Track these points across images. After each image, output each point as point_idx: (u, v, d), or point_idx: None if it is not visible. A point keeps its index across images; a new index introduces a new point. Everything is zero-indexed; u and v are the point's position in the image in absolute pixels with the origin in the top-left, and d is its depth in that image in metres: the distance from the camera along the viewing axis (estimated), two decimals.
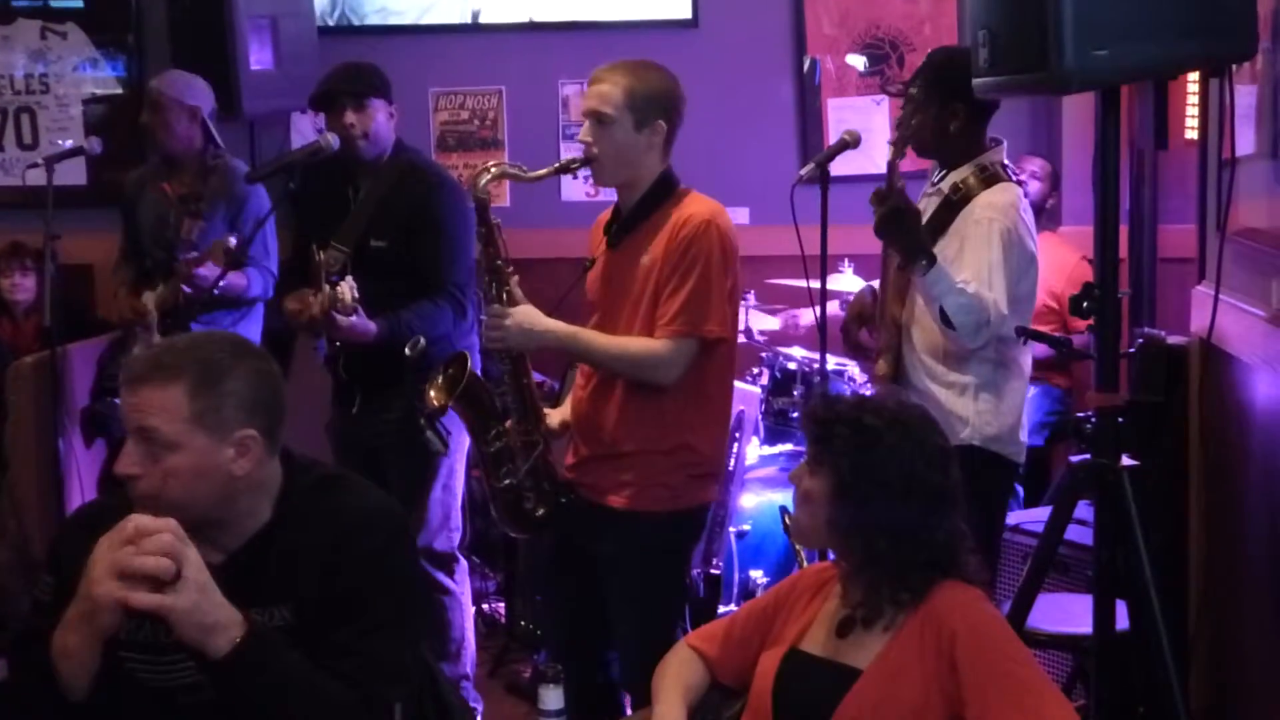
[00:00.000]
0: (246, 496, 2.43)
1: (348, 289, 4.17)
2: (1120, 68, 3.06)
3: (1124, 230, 5.69)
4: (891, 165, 3.80)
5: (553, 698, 2.15)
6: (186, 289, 4.92)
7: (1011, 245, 3.82)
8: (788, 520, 2.87)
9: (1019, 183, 4.03)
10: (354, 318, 4.22)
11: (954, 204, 3.92)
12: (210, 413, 2.35)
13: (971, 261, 3.80)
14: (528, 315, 3.68)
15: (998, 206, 3.87)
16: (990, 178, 3.92)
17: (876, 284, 4.27)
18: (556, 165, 3.77)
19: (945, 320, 3.75)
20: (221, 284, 4.81)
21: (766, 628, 2.82)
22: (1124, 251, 5.70)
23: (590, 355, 3.73)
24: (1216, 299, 3.54)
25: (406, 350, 4.08)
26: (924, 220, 3.86)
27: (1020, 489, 5.80)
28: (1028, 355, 4.03)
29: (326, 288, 4.21)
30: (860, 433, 2.62)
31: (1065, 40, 2.98)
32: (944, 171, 4.03)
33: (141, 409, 2.35)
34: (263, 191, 5.20)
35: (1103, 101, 3.28)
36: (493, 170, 3.75)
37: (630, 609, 3.80)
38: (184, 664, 2.32)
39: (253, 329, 5.30)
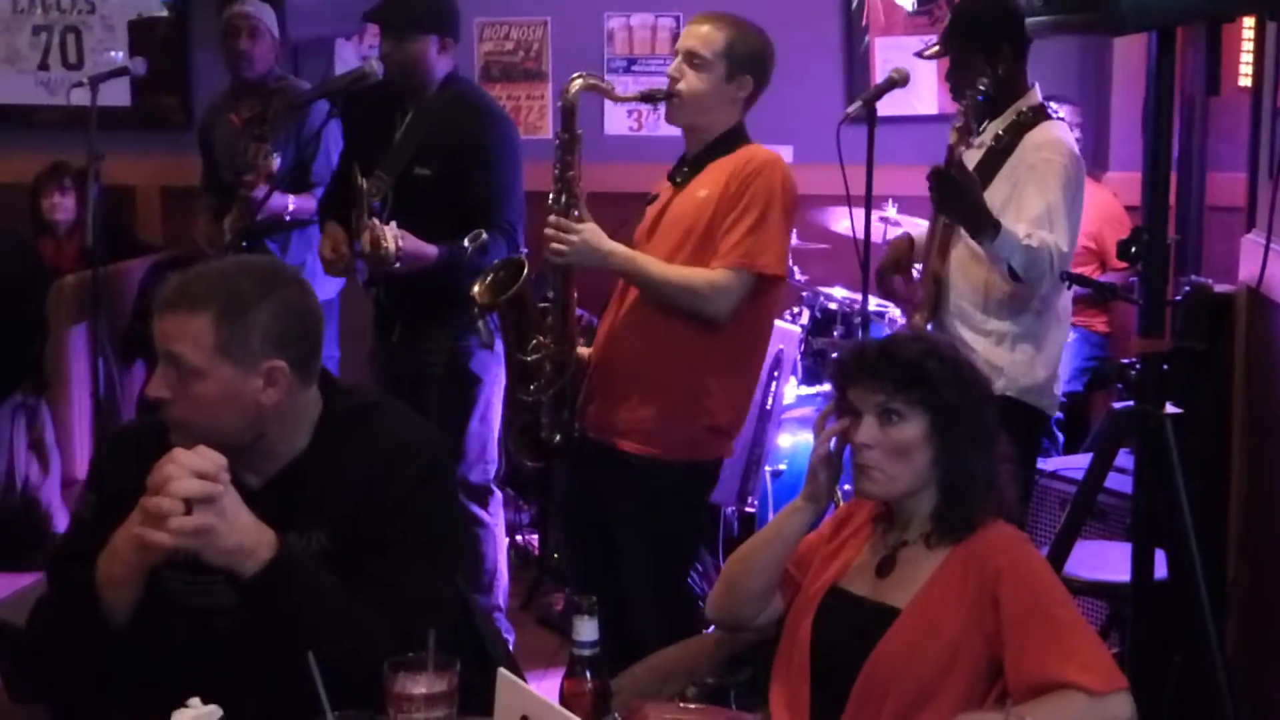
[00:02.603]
0: (279, 424, 2.42)
1: (392, 237, 4.15)
2: (1176, 7, 3.02)
3: (1173, 177, 5.65)
4: (952, 149, 3.74)
5: (587, 629, 2.14)
6: (253, 212, 4.97)
7: (1070, 182, 3.82)
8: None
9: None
10: (410, 247, 4.20)
11: (1000, 151, 3.88)
12: (236, 343, 2.34)
13: (1032, 204, 3.77)
14: (594, 233, 3.69)
15: (1053, 144, 3.85)
16: (1034, 119, 3.89)
17: (913, 231, 4.24)
18: (640, 93, 3.79)
19: (1013, 275, 3.72)
20: (292, 207, 4.91)
21: (804, 568, 2.80)
22: (1172, 198, 5.68)
23: (647, 280, 3.72)
24: (1268, 247, 3.49)
25: (466, 242, 4.07)
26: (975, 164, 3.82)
27: (1061, 435, 5.77)
28: (1069, 300, 4.01)
29: (377, 225, 4.17)
30: (953, 364, 2.60)
31: None
32: (984, 120, 3.99)
33: (169, 335, 2.34)
34: (322, 113, 5.19)
35: (1158, 44, 3.23)
36: (581, 79, 3.75)
37: (636, 555, 3.82)
38: (220, 584, 2.33)
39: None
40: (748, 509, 5.07)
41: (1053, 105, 5.81)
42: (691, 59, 3.70)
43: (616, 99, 3.89)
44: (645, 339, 3.74)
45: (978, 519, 2.58)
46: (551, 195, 3.74)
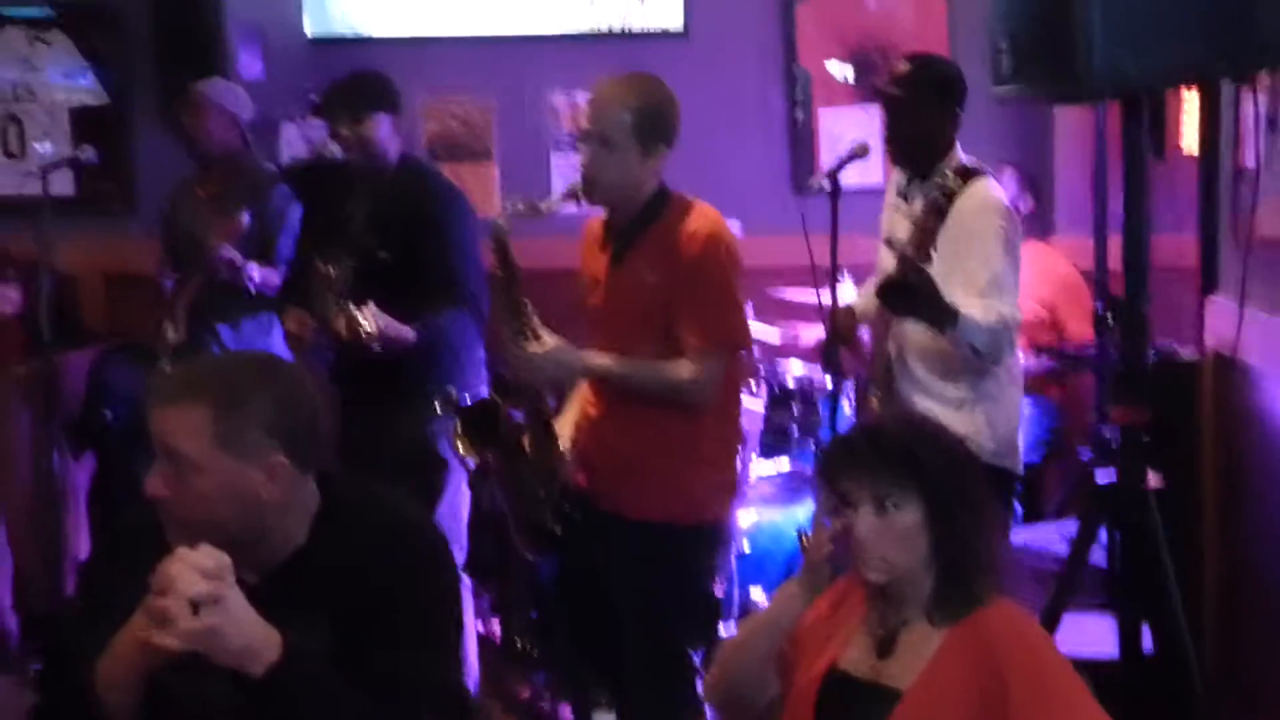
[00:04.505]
0: (278, 517, 2.38)
1: (371, 317, 4.10)
2: (1148, 76, 3.03)
3: (1116, 240, 5.69)
4: (904, 257, 3.68)
5: None
6: (218, 276, 4.93)
7: (1009, 242, 3.85)
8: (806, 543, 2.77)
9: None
10: (389, 330, 4.18)
11: (938, 211, 3.87)
12: (234, 435, 2.30)
13: (978, 274, 3.79)
14: (560, 350, 3.65)
15: (987, 205, 3.87)
16: (963, 180, 3.89)
17: (850, 301, 4.24)
18: (564, 193, 3.70)
19: (975, 352, 3.73)
20: (257, 280, 4.87)
21: (800, 649, 2.76)
22: (1116, 262, 5.71)
23: (626, 382, 3.69)
24: (1242, 311, 3.51)
25: (437, 407, 4.01)
26: (909, 233, 3.79)
27: (1018, 506, 5.77)
28: (1018, 359, 4.03)
29: (351, 308, 4.12)
30: (944, 448, 2.58)
31: (1094, 48, 2.95)
32: (911, 177, 4.02)
33: (166, 429, 2.31)
34: (286, 192, 5.19)
35: (1125, 111, 3.25)
36: (509, 209, 3.68)
37: (640, 624, 3.76)
38: (222, 684, 2.26)
39: (276, 331, 5.24)
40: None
41: (978, 165, 5.93)
42: (603, 142, 3.61)
43: (542, 214, 3.71)
44: (636, 420, 3.72)
45: (979, 597, 2.55)
46: (505, 323, 3.70)
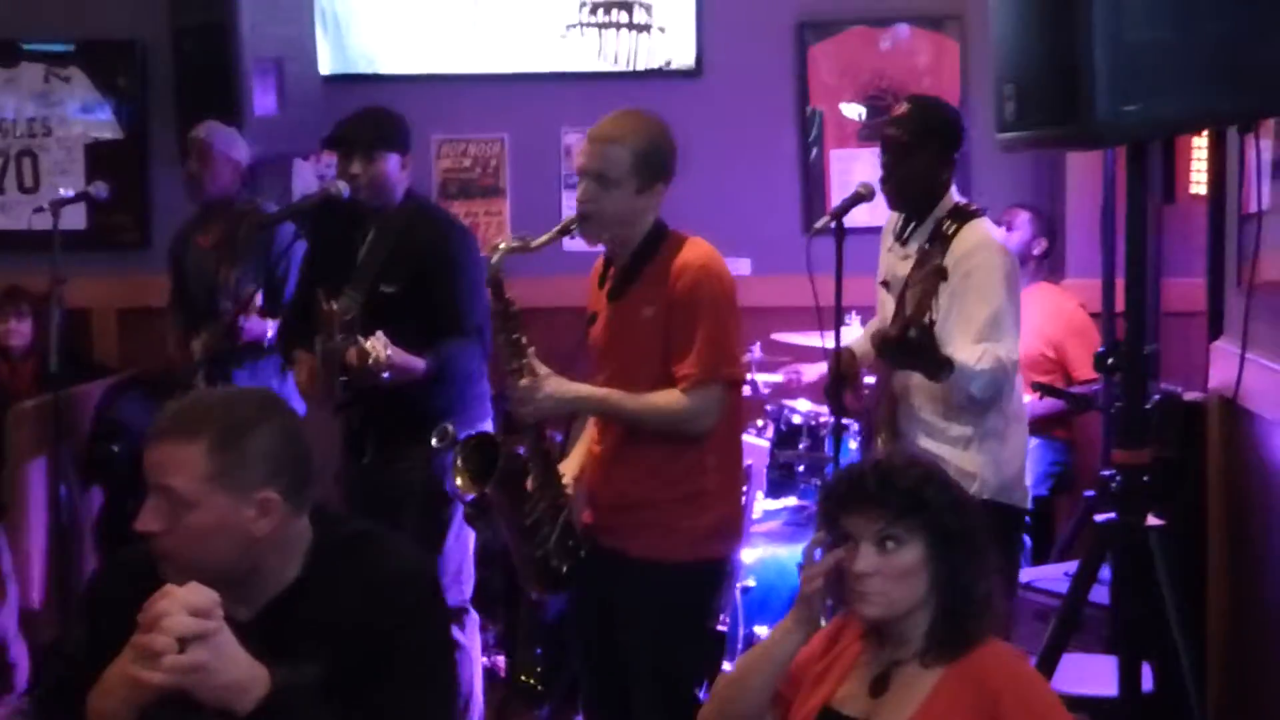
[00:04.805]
0: (271, 554, 2.39)
1: (381, 346, 4.12)
2: (1153, 121, 3.03)
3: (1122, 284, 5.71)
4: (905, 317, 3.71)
5: None
6: (233, 338, 5.00)
7: (1007, 280, 3.87)
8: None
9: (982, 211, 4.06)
10: (398, 359, 4.18)
11: (937, 270, 3.88)
12: (230, 472, 2.31)
13: (977, 313, 3.81)
14: (558, 385, 3.66)
15: (983, 245, 3.89)
16: (957, 223, 3.92)
17: (850, 342, 4.25)
18: (557, 229, 3.69)
19: (971, 398, 3.76)
20: (271, 335, 5.00)
21: (798, 687, 2.76)
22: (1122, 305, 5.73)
23: (622, 415, 3.72)
24: (1243, 356, 3.52)
25: (434, 441, 4.01)
26: (922, 275, 3.79)
27: (1028, 541, 5.77)
28: (1021, 398, 4.03)
29: (360, 339, 4.16)
30: (948, 489, 2.59)
31: (1098, 94, 2.95)
32: (908, 222, 4.05)
33: (161, 466, 2.32)
34: (290, 232, 5.23)
35: (1130, 156, 3.27)
36: (501, 247, 3.68)
37: (646, 663, 3.76)
38: None
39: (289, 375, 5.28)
40: (719, 626, 5.01)
41: (1010, 216, 5.96)
42: (600, 180, 3.63)
43: (535, 249, 3.71)
44: (639, 456, 3.73)
45: (974, 638, 2.56)
46: (503, 361, 3.71)
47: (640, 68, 6.42)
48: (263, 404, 2.42)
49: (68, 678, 2.37)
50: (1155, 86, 2.97)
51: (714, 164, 6.28)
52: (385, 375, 4.15)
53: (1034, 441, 5.85)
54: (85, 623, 2.46)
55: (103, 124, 6.59)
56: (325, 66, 6.37)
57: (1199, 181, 5.16)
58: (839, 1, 6.38)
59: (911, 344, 3.49)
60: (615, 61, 6.43)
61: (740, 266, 6.26)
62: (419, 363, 4.26)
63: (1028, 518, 5.55)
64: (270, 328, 5.14)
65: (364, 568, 2.44)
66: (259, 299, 4.90)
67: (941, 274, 3.45)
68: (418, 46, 6.47)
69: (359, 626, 2.36)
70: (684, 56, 6.41)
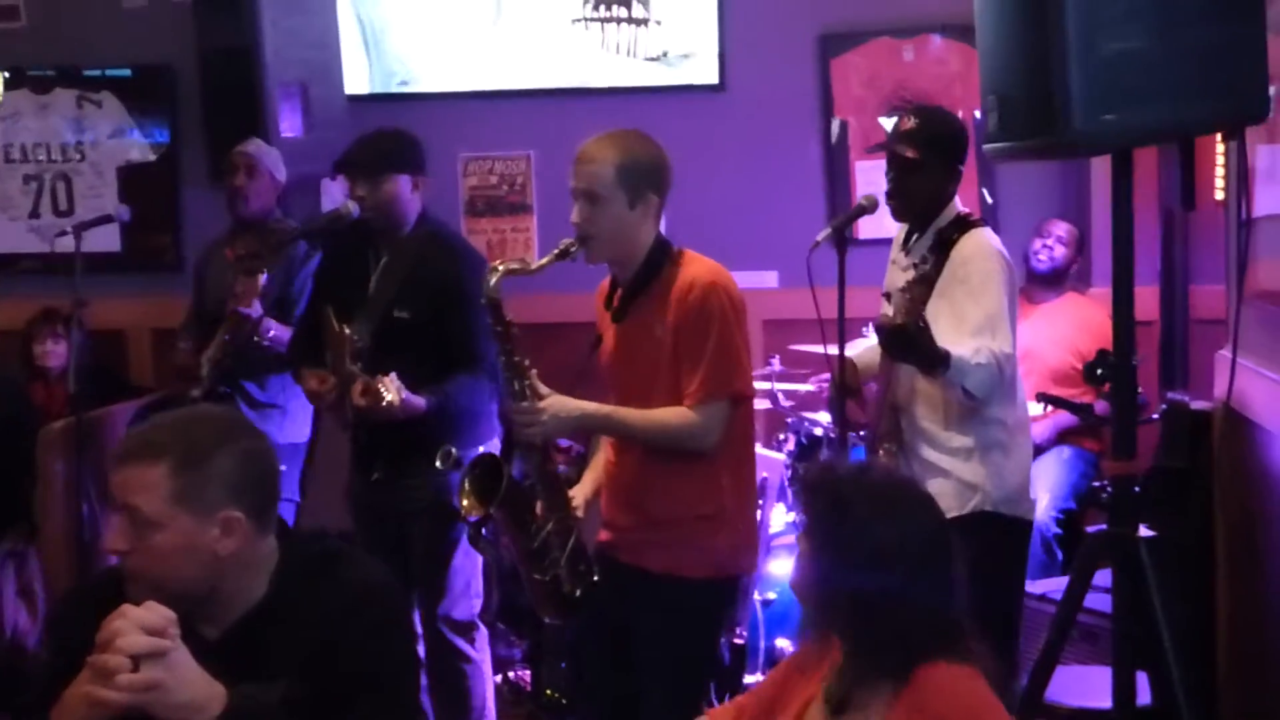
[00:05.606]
0: (235, 575, 2.42)
1: (395, 391, 4.18)
2: (1129, 131, 3.03)
3: (1155, 291, 5.67)
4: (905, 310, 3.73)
5: None
6: (238, 334, 5.03)
7: (1004, 285, 3.88)
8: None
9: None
10: (403, 400, 4.22)
11: (930, 270, 3.88)
12: (192, 493, 2.35)
13: (973, 315, 3.83)
14: (560, 404, 3.67)
15: (981, 252, 3.91)
16: (958, 232, 3.94)
17: (851, 352, 4.25)
18: (556, 252, 3.69)
19: (967, 393, 3.75)
20: (271, 335, 4.96)
21: (772, 707, 2.77)
22: (1155, 313, 5.69)
23: (627, 432, 3.74)
24: (1234, 363, 3.50)
25: (438, 463, 4.03)
26: (911, 284, 3.80)
27: (1059, 552, 5.74)
28: (1025, 405, 4.02)
29: (372, 379, 4.21)
30: (832, 503, 2.58)
31: (1073, 104, 2.95)
32: (911, 233, 4.07)
33: (125, 486, 2.36)
34: (305, 249, 5.30)
35: (1115, 164, 3.26)
36: (500, 269, 3.69)
37: (660, 677, 3.76)
38: None
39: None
40: (736, 639, 5.02)
41: (1047, 228, 5.94)
42: (590, 198, 3.66)
43: (533, 271, 3.74)
44: (655, 474, 3.73)
45: (898, 664, 2.51)
46: (505, 384, 3.73)
47: (664, 83, 6.42)
48: (226, 426, 2.46)
49: (41, 696, 2.40)
50: (1132, 96, 2.97)
51: (739, 177, 6.31)
52: (398, 415, 4.20)
53: (1066, 452, 5.88)
54: (50, 643, 2.50)
55: (134, 147, 6.71)
56: (358, 85, 6.46)
57: (1221, 188, 5.12)
58: (861, 13, 6.37)
59: (908, 332, 3.53)
60: (640, 78, 6.43)
61: (767, 279, 6.29)
62: (419, 402, 4.28)
63: (1056, 529, 5.61)
64: (273, 327, 5.15)
65: (330, 586, 2.46)
66: (263, 280, 4.91)
67: (929, 282, 3.47)
68: (441, 65, 6.53)
69: (325, 644, 2.39)
70: (708, 72, 6.42)
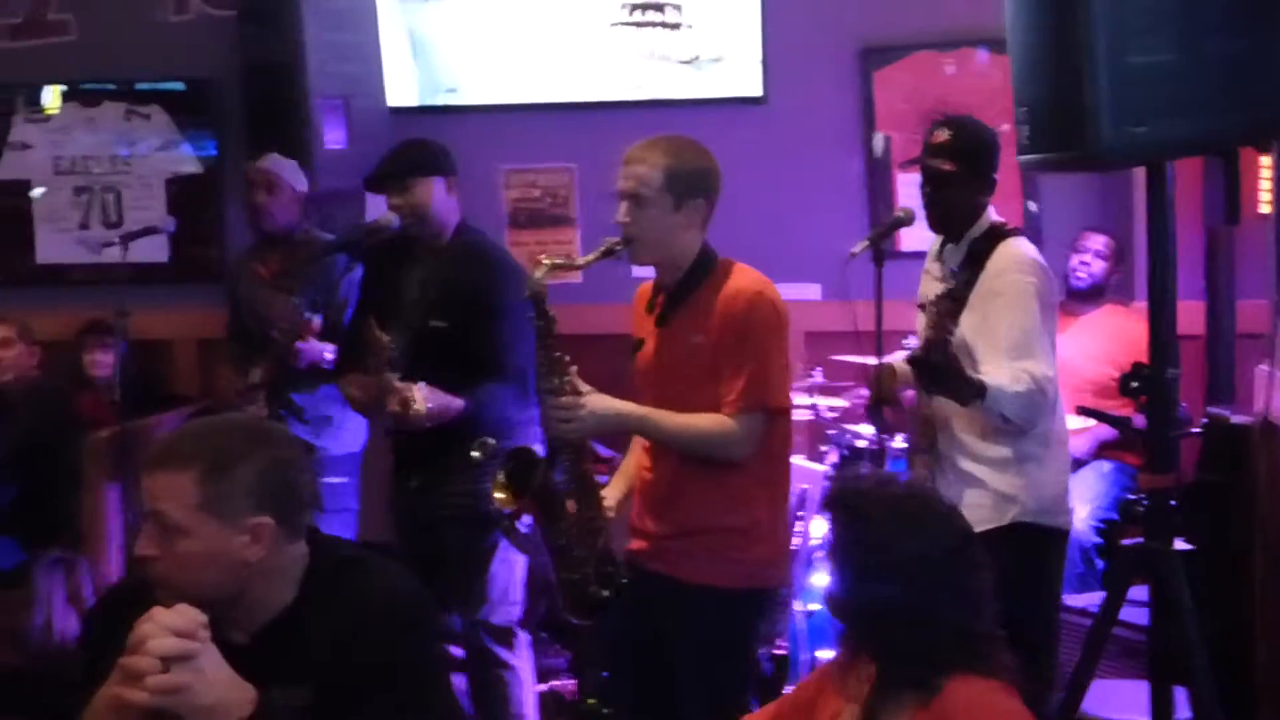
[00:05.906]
0: (263, 580, 2.45)
1: (420, 399, 4.21)
2: (1157, 143, 3.04)
3: (1200, 306, 5.63)
4: (928, 340, 3.74)
5: None
6: (290, 362, 5.07)
7: (1041, 299, 3.85)
8: None
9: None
10: (436, 408, 4.27)
11: (964, 283, 3.87)
12: (220, 500, 2.38)
13: (1009, 332, 3.80)
14: (600, 401, 3.68)
15: (1017, 264, 3.88)
16: (991, 242, 3.93)
17: (889, 358, 4.25)
18: (600, 250, 3.72)
19: (1005, 419, 3.74)
20: (329, 356, 5.04)
21: (807, 713, 2.78)
22: (1201, 328, 5.65)
23: (661, 435, 3.74)
24: (1272, 376, 3.48)
25: (473, 453, 4.06)
26: (940, 298, 3.80)
27: (1100, 562, 5.71)
28: (1062, 417, 4.00)
29: (406, 386, 4.25)
30: (854, 517, 2.59)
31: (1102, 117, 2.97)
32: (945, 243, 4.06)
33: (153, 493, 2.39)
34: (344, 263, 5.34)
35: (1149, 176, 3.26)
36: (546, 263, 3.72)
37: (695, 687, 3.77)
38: None
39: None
40: (776, 650, 5.02)
41: (1084, 241, 5.91)
42: (636, 200, 3.68)
43: (579, 267, 3.80)
44: (689, 482, 3.74)
45: (923, 678, 2.52)
46: (544, 379, 3.74)
47: (707, 95, 6.43)
48: (255, 434, 2.49)
49: (70, 701, 2.43)
50: (1161, 108, 2.98)
51: (782, 190, 6.30)
52: (426, 424, 4.23)
53: (1106, 466, 5.85)
54: (85, 646, 2.54)
55: (181, 159, 6.76)
56: (406, 97, 6.49)
57: (1266, 201, 5.09)
58: (903, 27, 6.36)
59: (933, 367, 3.50)
60: (683, 90, 6.43)
61: (810, 291, 6.28)
62: (457, 403, 4.33)
63: (1096, 539, 5.58)
64: (329, 350, 5.19)
65: (356, 591, 2.48)
66: (316, 323, 4.96)
67: (957, 299, 3.46)
68: (483, 77, 6.55)
69: (352, 649, 2.41)
70: (751, 84, 6.43)
